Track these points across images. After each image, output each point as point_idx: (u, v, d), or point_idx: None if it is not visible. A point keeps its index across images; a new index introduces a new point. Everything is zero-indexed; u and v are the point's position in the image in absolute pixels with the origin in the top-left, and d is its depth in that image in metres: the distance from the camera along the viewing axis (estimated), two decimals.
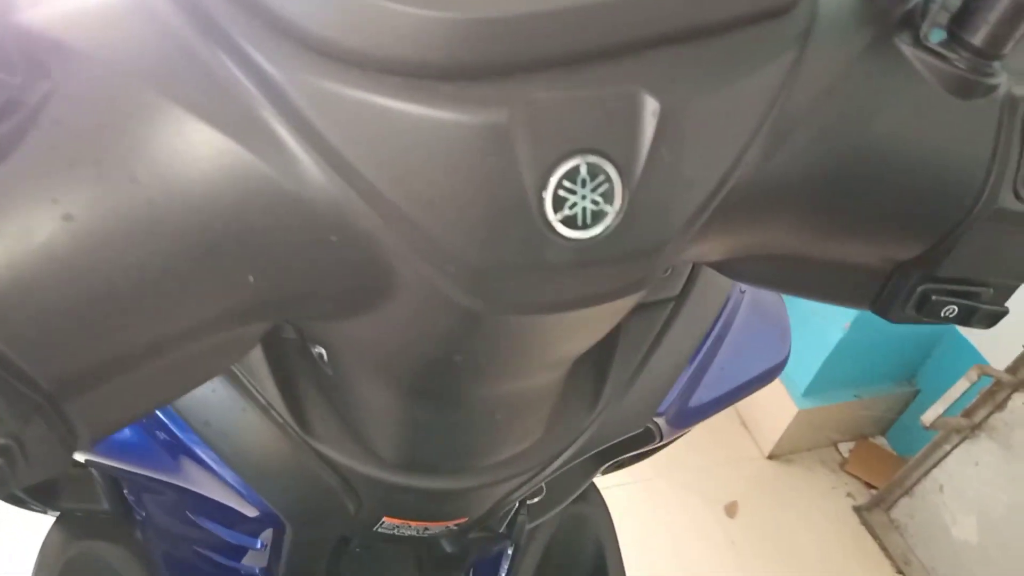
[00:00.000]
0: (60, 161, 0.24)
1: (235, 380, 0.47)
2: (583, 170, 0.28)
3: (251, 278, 0.28)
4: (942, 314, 0.39)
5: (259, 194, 0.27)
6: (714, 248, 0.38)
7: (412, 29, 0.25)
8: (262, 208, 0.27)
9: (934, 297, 0.39)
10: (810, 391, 2.72)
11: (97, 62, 0.25)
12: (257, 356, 0.47)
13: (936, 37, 0.35)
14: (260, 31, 0.25)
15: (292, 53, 0.25)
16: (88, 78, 0.25)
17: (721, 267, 0.41)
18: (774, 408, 2.79)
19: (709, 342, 0.61)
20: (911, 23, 0.35)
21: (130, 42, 0.26)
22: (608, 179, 0.28)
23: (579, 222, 0.28)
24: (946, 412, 2.28)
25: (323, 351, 0.44)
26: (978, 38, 0.34)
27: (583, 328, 0.38)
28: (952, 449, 2.51)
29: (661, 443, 0.65)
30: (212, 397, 0.47)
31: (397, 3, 0.25)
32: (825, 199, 0.36)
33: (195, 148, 0.26)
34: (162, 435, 0.53)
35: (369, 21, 0.25)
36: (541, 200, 0.28)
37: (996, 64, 0.35)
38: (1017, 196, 0.36)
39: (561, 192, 0.28)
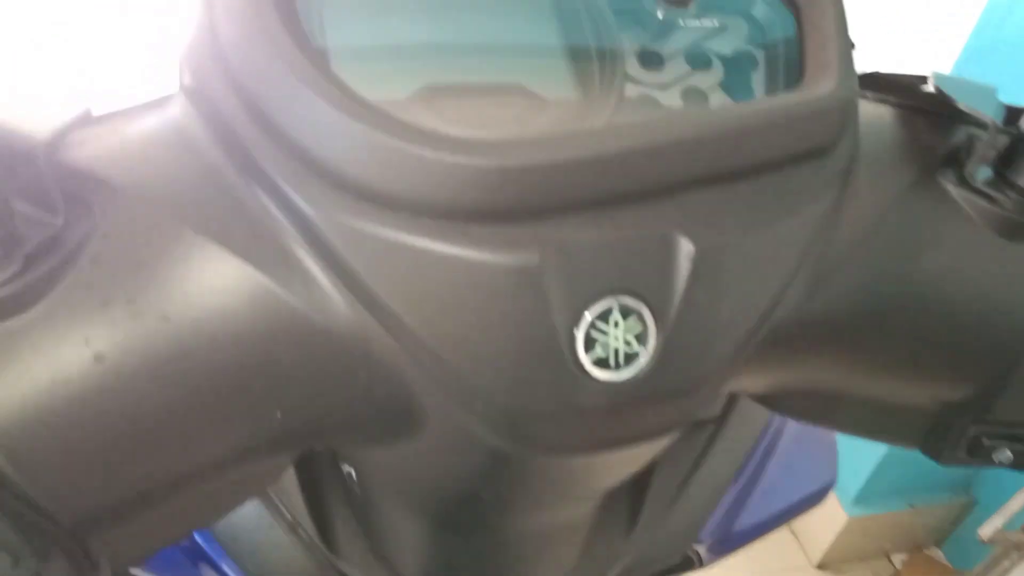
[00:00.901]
0: (95, 300, 0.24)
1: (263, 496, 0.47)
2: (615, 311, 0.27)
3: (279, 413, 0.28)
4: (995, 459, 0.37)
5: (290, 330, 0.27)
6: (754, 382, 0.36)
7: (445, 175, 0.25)
8: (292, 343, 0.27)
9: (986, 441, 0.37)
10: (861, 498, 2.61)
11: (137, 200, 0.26)
12: (287, 471, 0.47)
13: (982, 175, 0.35)
14: (296, 170, 0.26)
15: (326, 193, 0.26)
16: (127, 216, 0.25)
17: (762, 400, 0.40)
18: (823, 515, 2.67)
19: (752, 464, 0.59)
20: (956, 161, 0.35)
21: (168, 178, 0.26)
22: (642, 320, 0.28)
23: (611, 363, 0.28)
24: (1005, 526, 2.17)
25: (352, 471, 0.44)
26: None
27: (617, 464, 0.37)
28: (1012, 566, 2.37)
29: (701, 569, 0.62)
30: (239, 512, 0.47)
31: (430, 150, 0.25)
32: (869, 338, 0.35)
33: (227, 284, 0.26)
34: (186, 543, 0.52)
35: (403, 166, 0.25)
36: (573, 342, 0.27)
37: None
38: None
39: (593, 333, 0.27)
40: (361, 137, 0.25)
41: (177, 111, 0.28)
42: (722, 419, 0.55)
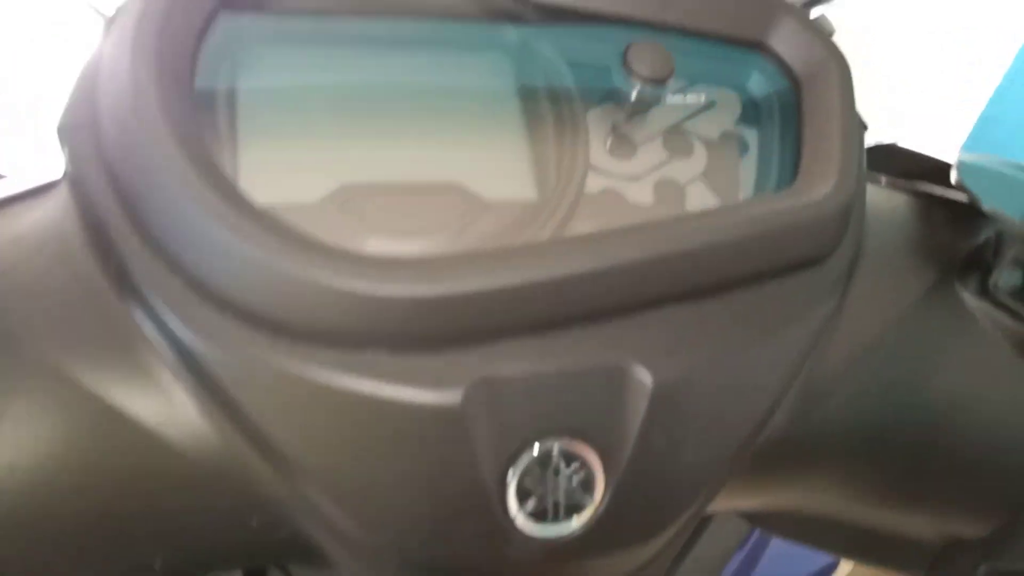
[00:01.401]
0: None
1: None
2: (555, 456, 0.23)
3: (158, 562, 0.24)
4: None
5: (169, 474, 0.23)
6: (738, 503, 0.32)
7: (349, 304, 0.21)
8: (173, 489, 0.23)
9: None
10: None
11: None
12: None
13: (1008, 283, 0.30)
14: (176, 289, 0.22)
15: (210, 317, 0.21)
16: None
17: (749, 518, 0.36)
18: None
19: (747, 548, 0.55)
20: (979, 265, 0.30)
21: (34, 296, 0.22)
22: (586, 466, 0.23)
23: (550, 516, 0.23)
24: None
25: None
26: None
27: None
28: None
29: None
30: None
31: (331, 275, 0.21)
32: (867, 464, 0.30)
33: (94, 424, 0.22)
34: None
35: (298, 292, 0.21)
36: (503, 493, 0.23)
37: None
38: None
39: (528, 482, 0.23)
40: (248, 256, 0.20)
41: (58, 204, 0.24)
42: (695, 531, 0.50)
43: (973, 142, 1.70)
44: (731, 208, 0.26)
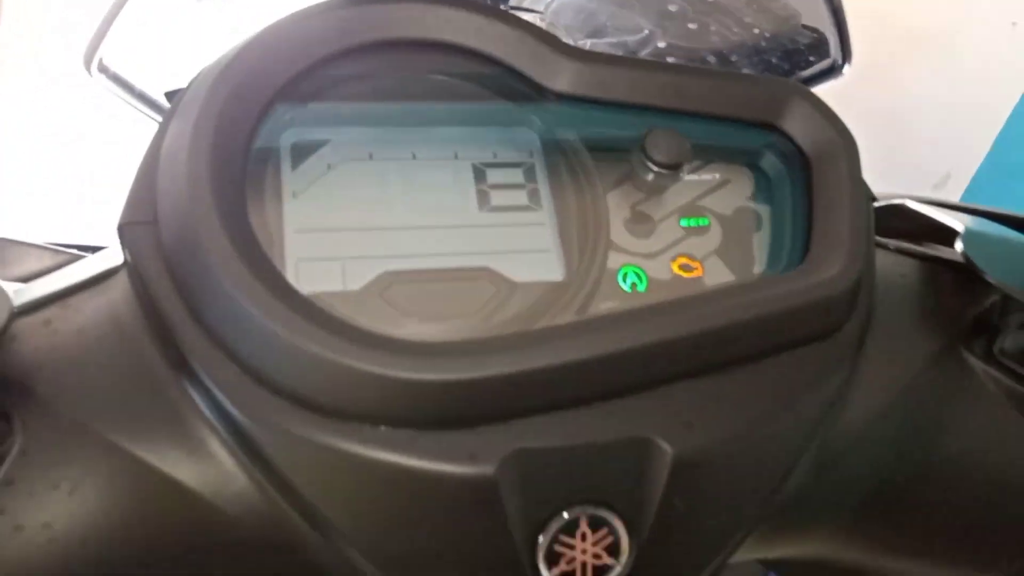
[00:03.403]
0: (7, 526, 0.22)
1: None
2: (583, 523, 0.25)
3: None
4: None
5: (225, 543, 0.24)
6: (755, 554, 0.33)
7: (390, 387, 0.23)
8: (228, 557, 0.25)
9: None
10: None
11: (60, 410, 0.24)
12: None
13: (1015, 346, 0.31)
14: (230, 374, 0.24)
15: (261, 398, 0.23)
16: (49, 429, 0.23)
17: (767, 564, 0.37)
18: None
19: None
20: (986, 330, 0.31)
21: (97, 383, 0.24)
22: (612, 531, 0.25)
23: None
24: None
25: None
26: None
27: None
28: None
29: None
30: None
31: (372, 363, 0.23)
32: (884, 518, 0.31)
33: (154, 499, 0.24)
34: None
35: (342, 377, 0.23)
36: (534, 557, 0.25)
37: None
38: None
39: (558, 547, 0.25)
40: (296, 346, 0.22)
41: (117, 295, 0.26)
42: None
43: (990, 163, 1.71)
44: (745, 288, 0.28)
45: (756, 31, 0.96)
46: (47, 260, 0.31)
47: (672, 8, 1.14)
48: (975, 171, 1.74)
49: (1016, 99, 1.61)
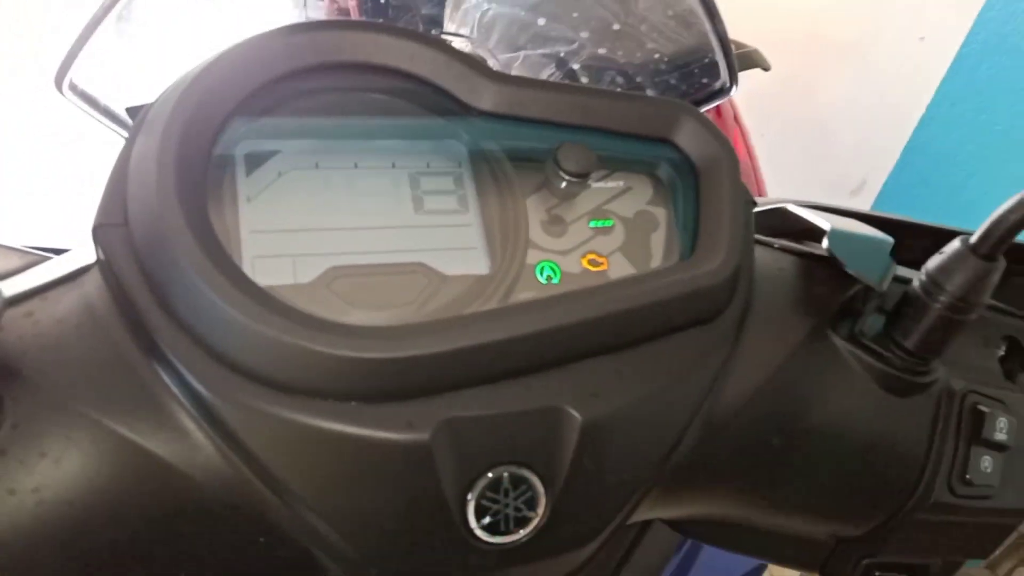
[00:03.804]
0: (1, 490, 0.25)
1: None
2: (505, 480, 0.29)
3: None
4: None
5: (192, 506, 0.28)
6: (658, 512, 0.38)
7: (336, 365, 0.27)
8: (194, 518, 0.28)
9: (877, 573, 0.39)
10: None
11: (45, 388, 0.27)
12: None
13: (874, 328, 0.37)
14: (196, 355, 0.27)
15: (224, 376, 0.27)
16: (35, 404, 0.27)
17: (671, 525, 0.42)
18: None
19: (682, 553, 0.61)
20: (850, 314, 0.37)
21: (76, 364, 0.28)
22: (531, 487, 0.29)
23: (502, 527, 0.29)
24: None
25: None
26: (911, 342, 0.35)
27: None
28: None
29: None
30: None
31: (321, 343, 0.26)
32: (765, 478, 0.36)
33: (128, 465, 0.27)
34: None
35: (295, 356, 0.26)
36: (464, 511, 0.29)
37: (934, 362, 0.36)
38: (952, 490, 0.36)
39: (484, 502, 0.29)
40: (253, 330, 0.26)
41: (91, 288, 0.29)
42: (635, 540, 0.56)
43: (900, 170, 1.81)
44: (639, 278, 0.32)
45: (673, 47, 1.03)
46: (16, 260, 0.34)
47: (597, 23, 1.19)
48: (886, 178, 1.85)
49: (922, 110, 1.72)
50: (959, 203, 1.64)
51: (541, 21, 1.30)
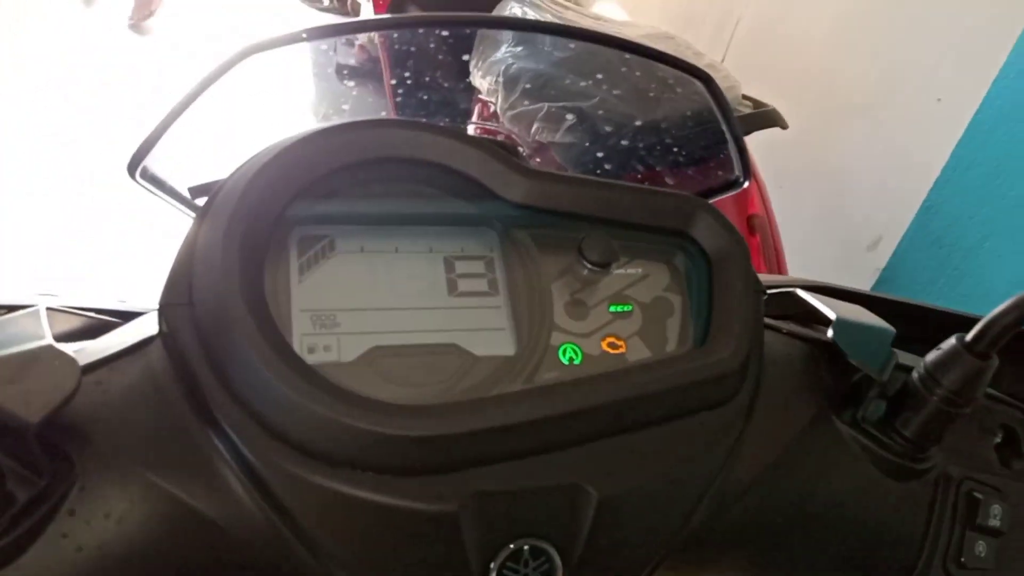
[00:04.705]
0: (70, 547, 0.28)
1: None
2: (526, 552, 0.31)
3: None
4: None
5: (233, 560, 0.30)
6: None
7: (374, 441, 0.29)
8: (235, 572, 0.30)
9: None
10: None
11: (111, 454, 0.29)
12: None
13: (876, 415, 0.39)
14: (247, 427, 0.30)
15: (271, 446, 0.30)
16: (102, 468, 0.29)
17: None
18: None
19: None
20: (853, 399, 0.39)
21: (141, 432, 0.30)
22: (549, 559, 0.32)
23: None
24: None
25: None
26: (910, 430, 0.37)
27: None
28: None
29: None
30: None
31: (361, 421, 0.29)
32: (770, 555, 0.38)
33: (181, 527, 0.30)
34: None
35: (338, 432, 0.29)
36: None
37: (932, 448, 0.38)
38: (948, 573, 0.38)
39: (506, 571, 0.31)
40: (302, 406, 0.29)
41: (155, 360, 0.32)
42: None
43: (915, 229, 1.83)
44: (656, 364, 0.35)
45: (690, 112, 1.06)
46: (76, 322, 0.37)
47: (619, 88, 1.23)
48: (901, 237, 1.86)
49: (937, 172, 1.74)
50: (973, 264, 1.65)
51: (567, 79, 1.34)
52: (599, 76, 1.27)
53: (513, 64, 1.45)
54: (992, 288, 1.60)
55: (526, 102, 1.43)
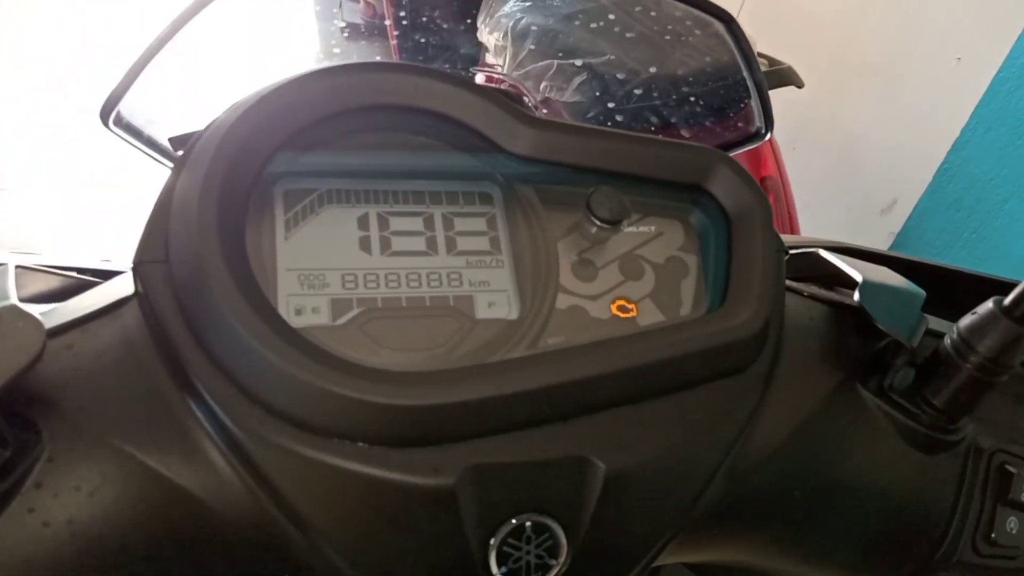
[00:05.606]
0: (36, 522, 0.26)
1: None
2: (528, 528, 0.29)
3: None
4: None
5: (221, 540, 0.28)
6: (680, 557, 0.38)
7: (366, 410, 0.27)
8: (223, 552, 0.29)
9: None
10: None
11: (81, 422, 0.27)
12: None
13: (903, 383, 0.36)
14: (228, 393, 0.27)
15: (254, 414, 0.27)
16: (71, 438, 0.27)
17: (691, 568, 0.42)
18: None
19: None
20: (879, 367, 0.36)
21: (113, 398, 0.28)
22: (553, 535, 0.29)
23: (523, 574, 0.30)
24: None
25: None
26: (940, 400, 0.34)
27: None
28: None
29: None
30: None
31: (350, 389, 0.27)
32: (789, 530, 0.36)
33: (159, 499, 0.28)
34: None
35: (325, 401, 0.27)
36: (486, 557, 0.29)
37: (963, 419, 0.36)
38: (976, 550, 0.36)
39: (506, 548, 0.29)
40: (285, 372, 0.27)
41: (130, 322, 0.30)
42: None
43: (932, 192, 1.79)
44: (669, 329, 0.32)
45: (708, 61, 1.03)
46: (54, 282, 0.35)
47: (631, 35, 1.19)
48: (917, 199, 1.83)
49: (957, 133, 1.70)
50: (992, 228, 1.62)
51: (577, 34, 1.30)
52: (613, 29, 1.23)
53: (522, 19, 1.41)
54: (1010, 252, 1.57)
55: (535, 59, 1.40)
